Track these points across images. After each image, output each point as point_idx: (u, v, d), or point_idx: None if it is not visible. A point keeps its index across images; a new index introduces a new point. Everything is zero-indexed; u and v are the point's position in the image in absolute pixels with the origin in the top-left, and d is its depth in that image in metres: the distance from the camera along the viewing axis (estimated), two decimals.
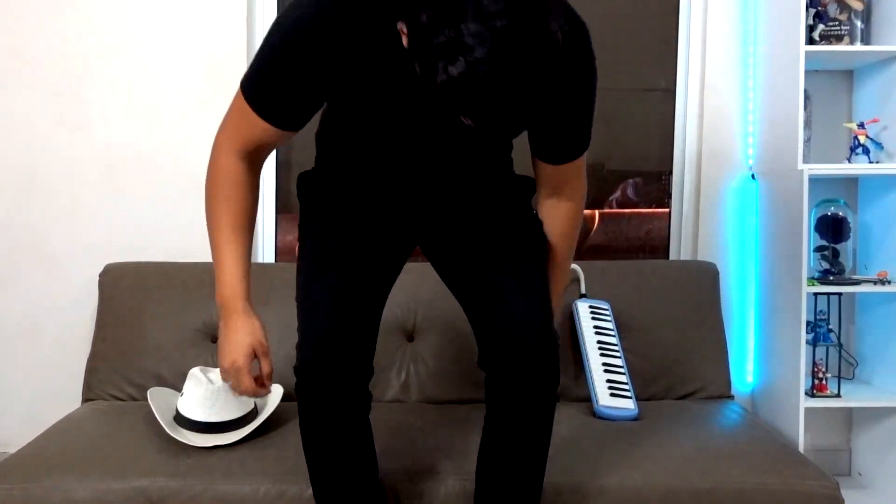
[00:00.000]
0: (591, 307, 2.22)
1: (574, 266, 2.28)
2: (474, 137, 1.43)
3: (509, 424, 1.42)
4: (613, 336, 2.17)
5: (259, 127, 1.34)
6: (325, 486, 1.49)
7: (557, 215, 1.54)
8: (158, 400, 1.95)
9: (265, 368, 1.39)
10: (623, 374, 2.12)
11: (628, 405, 2.05)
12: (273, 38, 1.28)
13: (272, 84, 1.29)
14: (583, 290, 2.29)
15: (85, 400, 2.22)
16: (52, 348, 2.44)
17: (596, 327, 2.18)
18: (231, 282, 1.38)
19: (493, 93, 1.03)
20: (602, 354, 2.14)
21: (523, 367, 1.38)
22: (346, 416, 1.42)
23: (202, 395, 1.87)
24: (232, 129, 1.37)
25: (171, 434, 1.82)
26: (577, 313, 2.21)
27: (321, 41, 1.24)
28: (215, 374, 1.96)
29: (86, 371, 2.24)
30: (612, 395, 2.06)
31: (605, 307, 2.23)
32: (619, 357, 2.15)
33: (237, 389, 1.38)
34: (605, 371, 2.09)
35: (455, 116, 1.09)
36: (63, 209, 2.43)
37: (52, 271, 2.43)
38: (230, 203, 1.38)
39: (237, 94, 1.35)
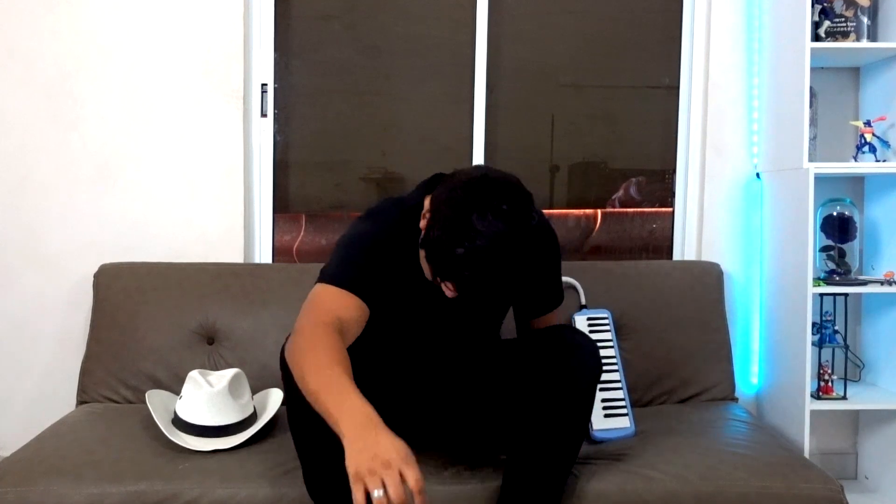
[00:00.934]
0: (589, 319, 2.22)
1: (570, 279, 2.27)
2: (472, 321, 1.79)
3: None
4: (612, 348, 2.16)
5: (347, 304, 1.51)
6: (317, 478, 1.55)
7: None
8: (156, 402, 1.97)
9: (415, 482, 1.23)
10: (619, 388, 2.11)
11: (623, 424, 2.04)
12: (354, 238, 1.61)
13: (358, 267, 1.56)
14: (582, 301, 2.29)
15: (79, 402, 2.24)
16: (45, 350, 2.45)
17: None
18: (363, 402, 1.31)
19: (489, 265, 1.47)
20: None
21: None
22: None
23: (203, 399, 1.89)
24: (316, 309, 1.49)
25: (170, 437, 1.84)
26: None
27: (387, 249, 1.61)
28: (215, 377, 1.98)
29: (80, 373, 2.26)
30: (606, 415, 2.05)
31: (605, 316, 2.23)
32: (616, 371, 2.14)
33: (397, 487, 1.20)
34: (601, 389, 2.08)
35: (458, 307, 1.63)
36: (57, 208, 2.44)
37: (45, 272, 2.44)
38: (330, 350, 1.39)
39: (327, 289, 1.52)
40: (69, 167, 2.44)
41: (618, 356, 2.16)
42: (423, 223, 1.57)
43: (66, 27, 2.42)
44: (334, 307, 1.49)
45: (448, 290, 1.54)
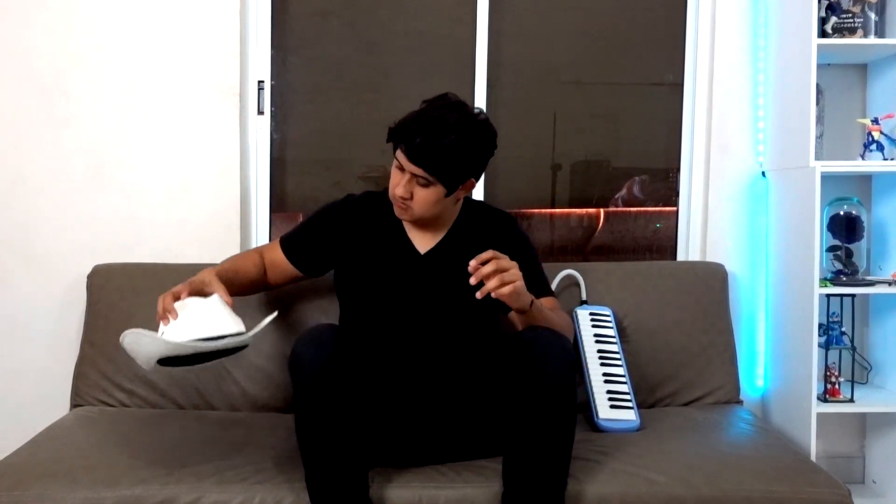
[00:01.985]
0: (591, 314, 2.24)
1: (572, 272, 2.28)
2: (452, 295, 1.88)
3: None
4: (615, 343, 2.18)
5: (278, 261, 2.02)
6: (320, 482, 1.63)
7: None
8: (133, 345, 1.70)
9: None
10: (624, 383, 2.13)
11: (629, 416, 2.07)
12: (314, 212, 2.05)
13: (303, 236, 2.02)
14: (584, 297, 2.31)
15: (73, 406, 2.24)
16: (38, 352, 2.46)
17: (596, 335, 2.19)
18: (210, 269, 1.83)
19: (435, 124, 1.77)
20: (602, 364, 2.15)
21: None
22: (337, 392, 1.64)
23: (200, 311, 1.70)
24: (262, 248, 2.07)
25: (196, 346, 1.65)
26: (577, 321, 2.23)
27: (343, 217, 1.98)
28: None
29: (74, 376, 2.26)
30: (612, 406, 2.08)
31: (607, 313, 2.25)
32: (620, 366, 2.16)
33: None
34: (606, 381, 2.11)
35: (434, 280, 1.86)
36: (50, 208, 2.45)
37: (38, 272, 2.45)
38: (237, 258, 2.02)
39: (276, 241, 2.05)
40: (62, 165, 2.45)
41: (621, 352, 2.18)
42: None
43: (59, 23, 2.42)
44: (270, 256, 2.03)
45: (398, 173, 1.81)
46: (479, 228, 1.96)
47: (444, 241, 1.95)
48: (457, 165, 1.79)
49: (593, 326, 2.20)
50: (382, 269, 1.92)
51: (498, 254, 1.68)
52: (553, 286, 2.09)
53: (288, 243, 2.02)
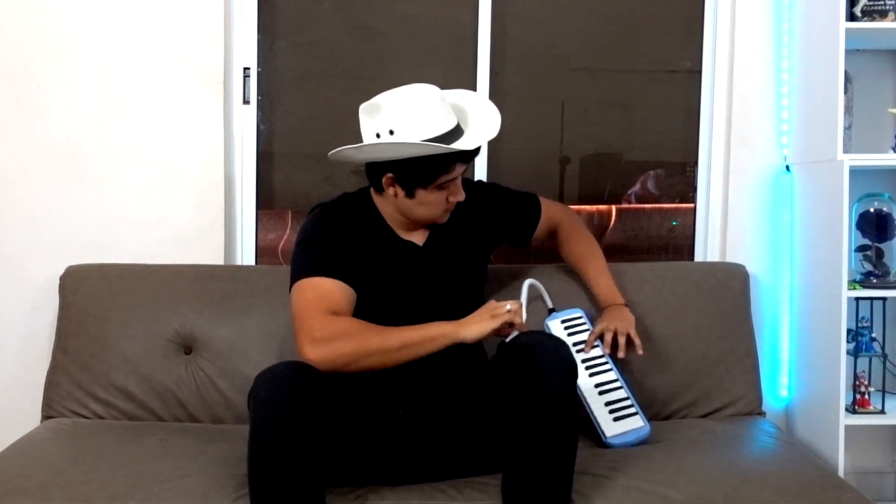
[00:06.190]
0: (563, 322, 2.21)
1: (533, 281, 2.21)
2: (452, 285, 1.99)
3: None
4: (597, 347, 2.13)
5: (330, 290, 1.83)
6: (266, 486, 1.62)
7: (569, 241, 2.29)
8: None
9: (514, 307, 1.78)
10: (619, 387, 2.10)
11: (637, 424, 2.05)
12: (304, 236, 1.92)
13: (324, 254, 1.87)
14: (549, 305, 2.27)
15: (45, 417, 2.25)
16: (6, 361, 2.46)
17: (574, 345, 2.13)
18: (437, 323, 1.79)
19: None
20: (591, 375, 2.11)
21: None
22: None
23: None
24: (317, 305, 1.80)
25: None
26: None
27: (336, 224, 1.93)
28: None
29: (45, 386, 2.27)
30: (615, 419, 2.05)
31: (578, 315, 2.22)
32: (609, 370, 2.12)
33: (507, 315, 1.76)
34: (601, 393, 2.08)
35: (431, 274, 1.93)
36: (18, 205, 2.45)
37: (6, 274, 2.45)
38: (363, 325, 1.80)
39: (296, 292, 1.83)
40: (32, 159, 2.45)
41: (605, 355, 2.12)
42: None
43: (28, 5, 2.43)
44: (318, 296, 1.81)
45: (445, 189, 1.88)
46: (461, 207, 1.98)
47: (435, 231, 2.00)
48: None
49: (569, 336, 2.17)
50: (388, 266, 1.95)
51: (609, 326, 2.09)
52: (521, 298, 2.10)
53: (329, 271, 1.85)
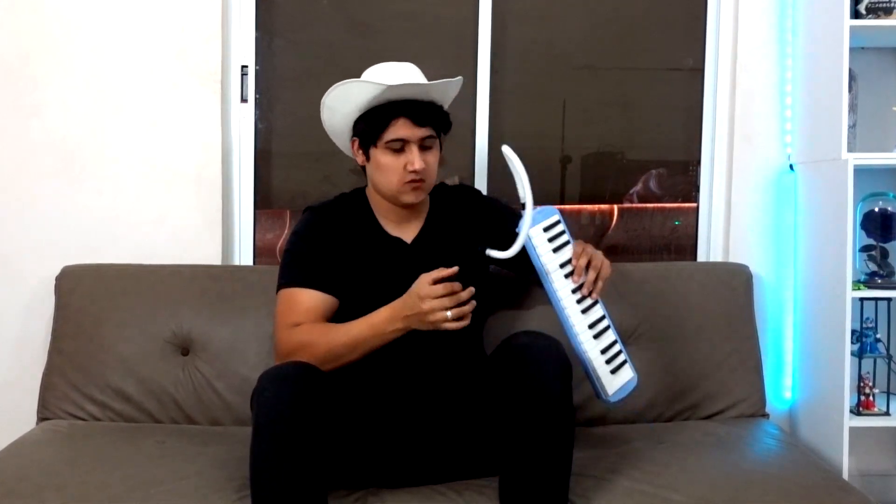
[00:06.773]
0: (545, 231, 1.95)
1: (508, 151, 1.89)
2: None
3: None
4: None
5: (299, 300, 1.89)
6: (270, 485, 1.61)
7: None
8: None
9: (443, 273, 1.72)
10: (608, 327, 1.93)
11: (627, 376, 1.92)
12: (287, 246, 2.00)
13: (301, 263, 1.94)
14: (523, 197, 1.86)
15: (41, 419, 2.25)
16: (2, 362, 2.46)
17: (554, 251, 1.93)
18: (374, 314, 1.80)
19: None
20: (584, 312, 1.91)
21: None
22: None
23: None
24: (284, 318, 1.89)
25: None
26: (534, 248, 1.90)
27: (324, 227, 1.97)
28: None
29: (41, 387, 2.27)
30: (612, 371, 1.89)
31: (557, 220, 1.99)
32: (598, 308, 1.93)
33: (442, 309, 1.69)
34: (595, 337, 1.90)
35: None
36: (14, 204, 2.45)
37: (1, 275, 2.45)
38: (320, 326, 1.86)
39: (279, 297, 1.93)
40: (29, 158, 2.45)
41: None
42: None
43: (25, 3, 2.42)
44: (287, 309, 1.90)
45: (403, 153, 1.89)
46: (452, 208, 2.08)
47: (426, 227, 2.03)
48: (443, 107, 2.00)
49: (554, 252, 1.92)
50: (375, 264, 1.97)
51: (587, 247, 1.93)
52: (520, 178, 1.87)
53: (304, 281, 1.91)
